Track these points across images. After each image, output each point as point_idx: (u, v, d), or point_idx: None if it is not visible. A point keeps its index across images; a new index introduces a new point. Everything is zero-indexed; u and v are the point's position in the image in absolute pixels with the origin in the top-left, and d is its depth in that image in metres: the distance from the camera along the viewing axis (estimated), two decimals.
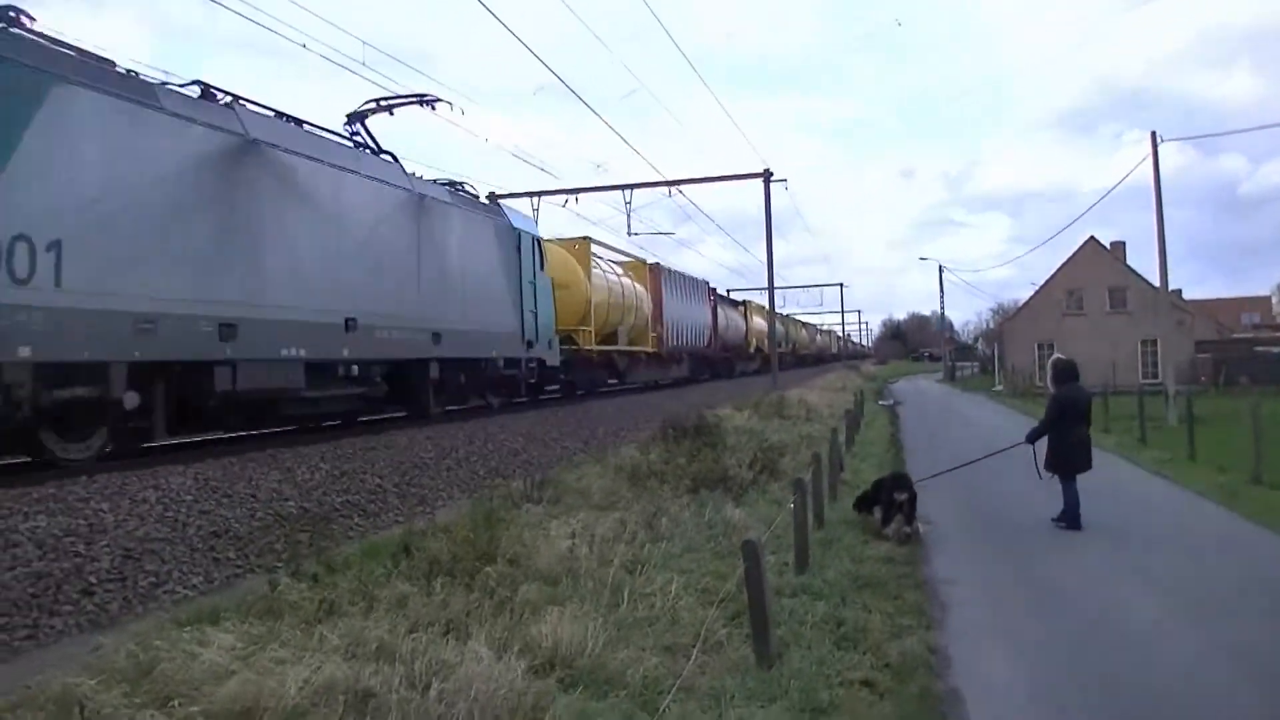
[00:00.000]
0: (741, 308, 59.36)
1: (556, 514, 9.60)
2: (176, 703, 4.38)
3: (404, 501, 10.71)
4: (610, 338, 30.88)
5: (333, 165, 15.03)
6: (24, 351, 9.38)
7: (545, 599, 6.64)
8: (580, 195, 35.97)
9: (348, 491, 10.51)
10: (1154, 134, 28.81)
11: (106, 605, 6.62)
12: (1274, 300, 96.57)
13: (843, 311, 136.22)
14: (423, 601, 6.29)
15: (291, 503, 9.59)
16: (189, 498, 8.97)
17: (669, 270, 39.82)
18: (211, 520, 8.54)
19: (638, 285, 34.77)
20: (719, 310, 49.52)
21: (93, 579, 6.87)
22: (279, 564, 7.41)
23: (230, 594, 6.77)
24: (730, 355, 53.37)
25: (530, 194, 34.85)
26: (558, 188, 35.66)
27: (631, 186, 36.91)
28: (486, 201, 22.50)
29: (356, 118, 18.12)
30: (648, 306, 35.26)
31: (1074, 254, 55.99)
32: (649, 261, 38.59)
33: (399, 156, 17.88)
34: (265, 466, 10.98)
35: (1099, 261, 55.28)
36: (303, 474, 10.85)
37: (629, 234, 38.09)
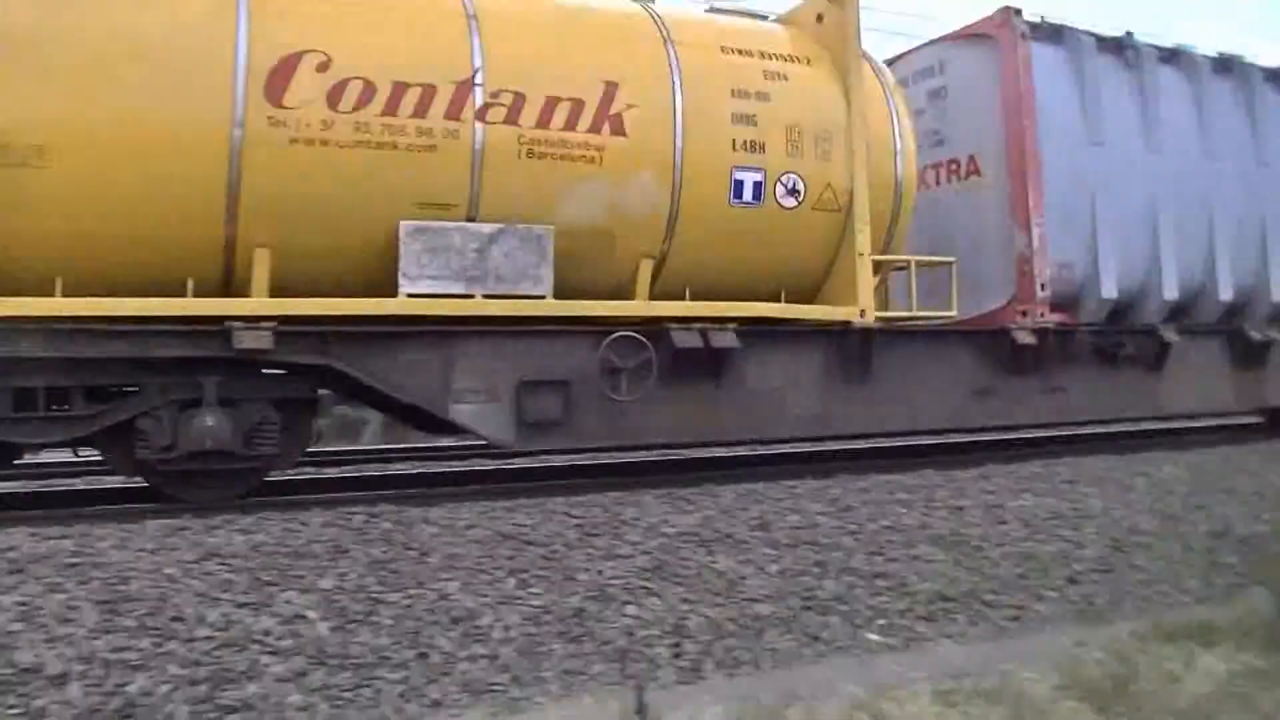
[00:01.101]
0: None
1: None
2: None
3: None
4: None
5: None
6: None
7: None
8: None
9: None
10: None
11: (1092, 598, 6.30)
12: None
13: None
14: None
15: None
16: (1182, 489, 8.23)
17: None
18: (1208, 516, 7.69)
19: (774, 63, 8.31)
20: None
21: (1078, 566, 6.62)
22: None
23: (1229, 608, 5.89)
24: None
25: None
26: None
27: None
28: None
29: None
30: (889, 154, 8.71)
31: None
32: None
33: None
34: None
35: None
36: None
37: None
